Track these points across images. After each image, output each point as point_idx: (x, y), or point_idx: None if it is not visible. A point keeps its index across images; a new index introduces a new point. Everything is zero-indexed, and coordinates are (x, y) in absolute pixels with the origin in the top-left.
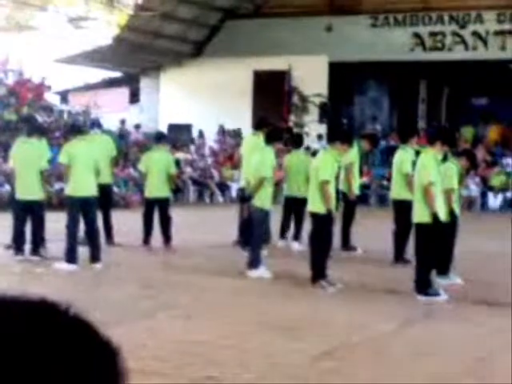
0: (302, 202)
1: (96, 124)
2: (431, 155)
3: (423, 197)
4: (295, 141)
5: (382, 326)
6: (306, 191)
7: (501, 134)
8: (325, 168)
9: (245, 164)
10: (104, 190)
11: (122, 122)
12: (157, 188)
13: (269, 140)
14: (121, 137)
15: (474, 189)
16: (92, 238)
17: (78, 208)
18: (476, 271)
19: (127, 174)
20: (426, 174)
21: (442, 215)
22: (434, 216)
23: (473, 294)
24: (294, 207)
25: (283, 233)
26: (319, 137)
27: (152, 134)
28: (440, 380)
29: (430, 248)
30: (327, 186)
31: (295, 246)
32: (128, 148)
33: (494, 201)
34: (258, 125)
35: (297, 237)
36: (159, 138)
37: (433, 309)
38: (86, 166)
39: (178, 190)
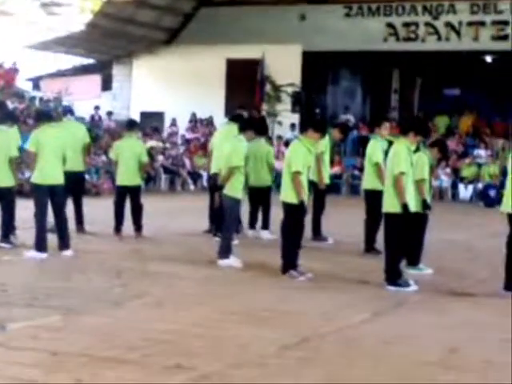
0: (266, 190)
1: (68, 111)
2: (404, 145)
3: (394, 187)
4: (258, 129)
5: (352, 316)
6: (269, 180)
7: (472, 125)
8: (297, 158)
9: (217, 153)
10: (76, 177)
11: (96, 108)
12: (128, 176)
13: (241, 129)
14: (94, 124)
15: (444, 179)
16: (61, 226)
17: (46, 196)
18: (446, 262)
19: (99, 161)
20: (398, 164)
21: (412, 205)
22: (404, 206)
23: (443, 284)
24: (259, 196)
25: (252, 222)
26: (292, 126)
27: (124, 121)
28: (411, 369)
29: (400, 238)
30: (299, 176)
31: (265, 234)
32: (100, 135)
33: (465, 192)
34: (234, 118)
35: (265, 226)
36: (130, 125)
37: (403, 299)
38: (54, 154)
39: (149, 179)
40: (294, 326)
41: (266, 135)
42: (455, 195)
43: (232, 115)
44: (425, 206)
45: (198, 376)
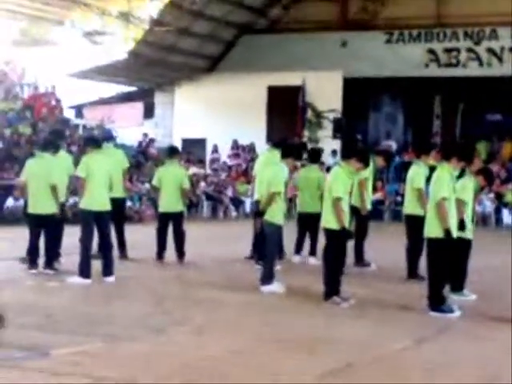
0: (316, 217)
1: (108, 137)
2: (446, 170)
3: (436, 212)
4: (310, 156)
5: (395, 343)
6: (319, 206)
7: None
8: (337, 184)
9: (259, 179)
10: (117, 203)
11: (145, 135)
12: (170, 203)
13: (283, 155)
14: (141, 150)
15: (488, 205)
16: (106, 252)
17: (92, 222)
18: (490, 288)
19: (141, 188)
20: (440, 190)
21: (455, 231)
22: (447, 231)
23: (487, 310)
24: (308, 223)
25: (298, 248)
26: (333, 152)
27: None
28: None
29: (443, 263)
30: (340, 202)
31: (312, 261)
32: (144, 162)
33: (509, 217)
34: (277, 144)
35: (312, 252)
36: (172, 152)
37: (447, 325)
38: (102, 180)
39: (192, 205)
40: (335, 353)
41: (318, 162)
42: (499, 220)
43: (275, 141)
44: (461, 226)
45: None
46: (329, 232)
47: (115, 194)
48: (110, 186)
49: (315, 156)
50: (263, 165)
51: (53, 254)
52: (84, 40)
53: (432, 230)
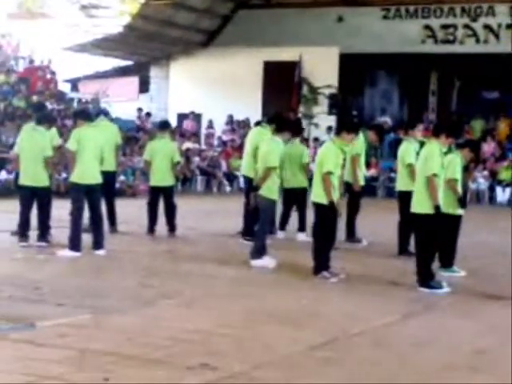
0: (301, 192)
1: (102, 112)
2: (435, 146)
3: (425, 188)
4: (293, 130)
5: (382, 318)
6: (303, 181)
7: (511, 128)
8: (329, 159)
9: (250, 154)
10: (108, 177)
11: (139, 110)
12: (161, 176)
13: (278, 130)
14: (139, 126)
15: (482, 182)
16: (96, 225)
17: (83, 195)
18: (480, 264)
19: (135, 162)
20: (430, 166)
21: (443, 207)
22: (437, 207)
23: (476, 287)
24: (294, 198)
25: (283, 224)
26: (329, 129)
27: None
28: (437, 372)
29: (431, 239)
30: (330, 176)
31: (301, 237)
32: (140, 137)
33: (503, 195)
34: (271, 119)
35: (302, 228)
36: (163, 126)
37: (435, 301)
38: (93, 154)
39: (185, 180)
40: (322, 326)
41: (300, 136)
42: (492, 198)
43: (268, 117)
44: (462, 203)
45: (222, 376)
46: (318, 206)
47: (106, 168)
48: (101, 160)
49: (297, 129)
50: (257, 140)
51: (46, 227)
52: (80, 13)
53: (420, 205)
